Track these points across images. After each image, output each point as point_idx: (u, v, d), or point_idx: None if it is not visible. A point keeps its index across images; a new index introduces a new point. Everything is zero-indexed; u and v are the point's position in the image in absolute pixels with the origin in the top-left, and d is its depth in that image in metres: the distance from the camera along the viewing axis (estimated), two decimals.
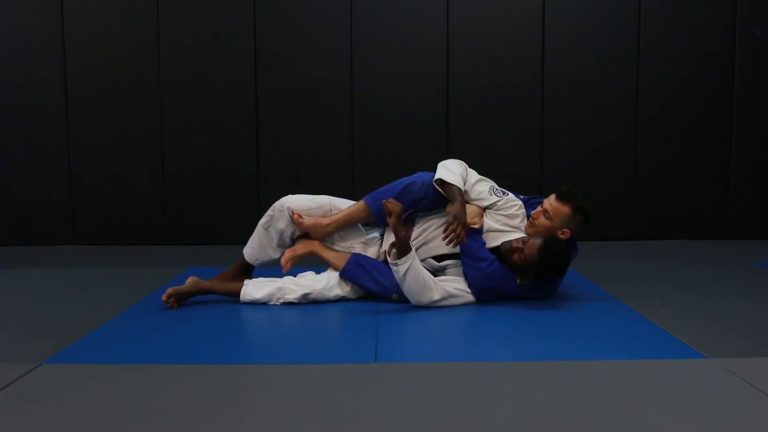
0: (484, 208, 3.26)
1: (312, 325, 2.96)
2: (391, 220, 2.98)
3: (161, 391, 2.14)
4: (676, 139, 5.20)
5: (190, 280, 3.26)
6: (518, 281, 3.12)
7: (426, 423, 1.90)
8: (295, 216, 3.27)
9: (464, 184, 3.23)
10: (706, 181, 5.23)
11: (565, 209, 3.15)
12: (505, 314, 3.03)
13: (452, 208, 3.09)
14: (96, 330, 2.81)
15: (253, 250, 3.44)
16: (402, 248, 3.01)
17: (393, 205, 3.00)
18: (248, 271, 3.51)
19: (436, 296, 3.09)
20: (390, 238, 3.33)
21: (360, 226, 3.42)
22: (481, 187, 3.27)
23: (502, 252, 3.12)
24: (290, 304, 3.20)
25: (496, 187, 3.30)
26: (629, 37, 5.12)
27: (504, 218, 3.21)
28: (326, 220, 3.32)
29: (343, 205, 3.39)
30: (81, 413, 1.97)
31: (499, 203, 3.23)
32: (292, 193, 3.40)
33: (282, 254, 3.33)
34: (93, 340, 2.70)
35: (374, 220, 3.34)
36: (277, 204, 3.36)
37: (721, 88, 5.16)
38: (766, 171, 5.23)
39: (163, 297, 3.14)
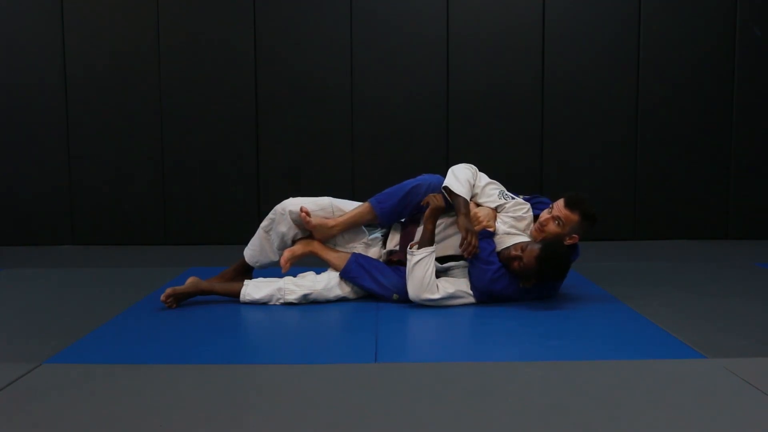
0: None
1: (312, 325, 2.96)
2: (428, 211, 3.11)
3: (161, 391, 2.14)
4: (676, 139, 5.20)
5: (190, 281, 3.26)
6: (521, 284, 3.13)
7: (426, 423, 1.90)
8: (303, 213, 3.27)
9: (472, 190, 3.24)
10: (706, 182, 5.22)
11: (575, 216, 3.16)
12: (505, 314, 3.03)
13: (460, 222, 3.10)
14: (96, 330, 2.81)
15: (253, 252, 3.44)
16: (426, 241, 3.09)
17: (436, 200, 3.12)
18: (248, 271, 3.51)
19: (436, 296, 3.09)
20: (395, 238, 3.34)
21: (362, 227, 3.42)
22: (490, 191, 3.29)
23: (501, 260, 3.13)
24: (290, 304, 3.20)
25: (505, 191, 3.31)
26: (629, 37, 5.12)
27: (512, 221, 3.22)
28: (331, 222, 3.31)
29: (345, 206, 3.39)
30: (81, 413, 1.97)
31: (506, 206, 3.24)
32: (292, 194, 3.40)
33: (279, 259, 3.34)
34: (93, 340, 2.70)
35: (379, 222, 3.35)
36: (278, 207, 3.36)
37: (721, 88, 5.16)
38: (766, 171, 5.22)
39: (162, 297, 3.14)
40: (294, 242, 3.38)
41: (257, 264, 3.45)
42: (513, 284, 3.13)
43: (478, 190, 3.28)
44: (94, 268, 4.31)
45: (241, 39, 5.10)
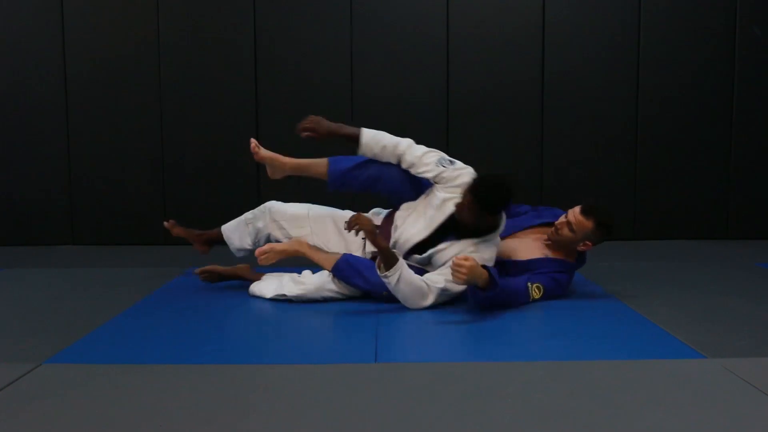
0: (433, 182, 3.24)
1: (312, 325, 2.97)
2: (366, 236, 2.95)
3: (161, 391, 2.14)
4: (676, 139, 5.20)
5: (240, 267, 3.53)
6: (530, 299, 3.13)
7: (426, 423, 1.90)
8: (253, 144, 3.40)
9: (392, 152, 3.29)
10: (706, 181, 5.23)
11: (589, 224, 3.19)
12: (504, 314, 3.03)
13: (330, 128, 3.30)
14: (96, 330, 2.81)
15: (229, 228, 3.60)
16: (387, 260, 2.96)
17: (363, 221, 2.91)
18: (211, 243, 3.70)
19: (431, 300, 3.06)
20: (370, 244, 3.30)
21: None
22: (428, 159, 3.25)
23: (456, 218, 3.09)
24: (287, 300, 3.24)
25: (445, 157, 3.26)
26: (629, 37, 5.12)
27: (456, 189, 3.17)
28: (285, 159, 3.43)
29: (323, 211, 3.46)
30: (81, 413, 1.97)
31: (444, 174, 3.19)
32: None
33: (251, 250, 3.45)
34: (93, 340, 2.70)
35: (328, 180, 3.40)
36: (263, 205, 3.51)
37: (721, 89, 5.16)
38: (766, 171, 5.22)
39: (199, 270, 3.51)
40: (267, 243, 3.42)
41: (228, 240, 3.59)
42: (520, 296, 3.11)
43: (415, 160, 3.24)
44: (94, 268, 4.31)
45: (241, 39, 5.09)
